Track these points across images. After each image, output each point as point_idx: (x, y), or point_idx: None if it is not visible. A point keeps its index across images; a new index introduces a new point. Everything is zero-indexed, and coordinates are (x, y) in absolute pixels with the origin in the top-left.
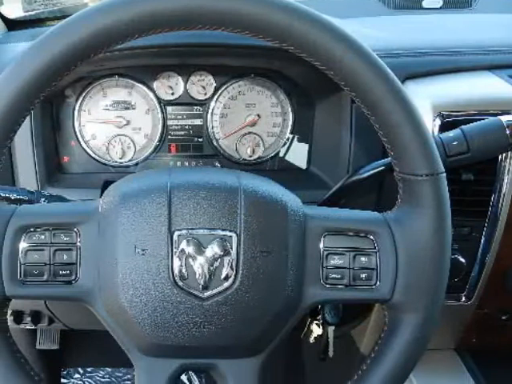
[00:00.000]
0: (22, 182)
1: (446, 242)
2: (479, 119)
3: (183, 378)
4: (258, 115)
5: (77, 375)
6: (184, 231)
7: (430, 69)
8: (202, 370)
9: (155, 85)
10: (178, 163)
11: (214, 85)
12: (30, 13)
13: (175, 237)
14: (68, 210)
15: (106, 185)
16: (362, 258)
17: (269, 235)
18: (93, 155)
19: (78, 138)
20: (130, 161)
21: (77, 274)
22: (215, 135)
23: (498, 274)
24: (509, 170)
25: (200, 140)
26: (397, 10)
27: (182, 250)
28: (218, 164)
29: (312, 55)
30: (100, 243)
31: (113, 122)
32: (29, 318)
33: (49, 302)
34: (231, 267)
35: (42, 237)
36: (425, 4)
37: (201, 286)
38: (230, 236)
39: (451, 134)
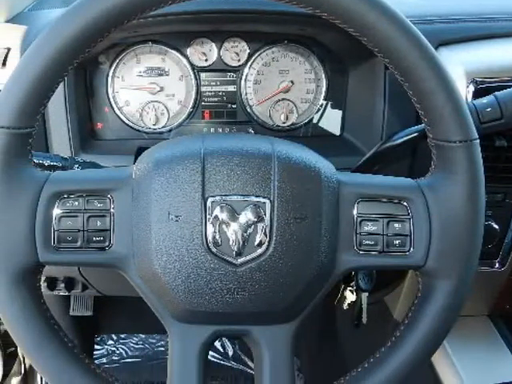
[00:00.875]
0: (56, 148)
1: (479, 208)
2: None
3: (217, 344)
4: (292, 82)
5: (110, 341)
6: (218, 197)
7: (463, 35)
8: (236, 336)
9: (189, 51)
10: (212, 129)
11: (248, 51)
12: None
13: (209, 203)
14: (102, 176)
15: (140, 151)
16: (396, 225)
17: (302, 201)
18: (126, 121)
19: (111, 105)
20: (163, 127)
21: (110, 240)
22: (249, 101)
23: None
24: None
25: (233, 106)
26: None
27: (216, 217)
28: (251, 130)
29: (345, 22)
30: (134, 209)
31: (146, 88)
32: (62, 285)
33: (82, 269)
34: (265, 233)
35: (76, 203)
36: None
37: (234, 253)
38: (264, 202)
39: (485, 100)
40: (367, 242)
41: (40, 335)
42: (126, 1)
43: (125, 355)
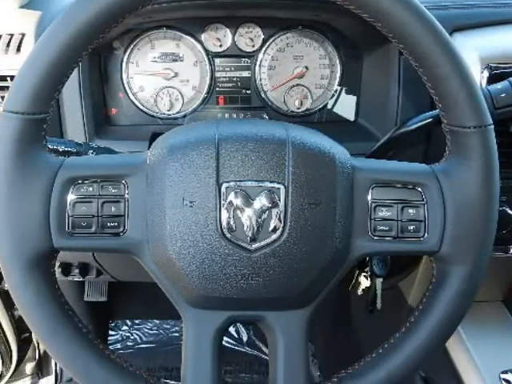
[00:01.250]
0: (70, 134)
1: (493, 193)
2: None
3: (231, 329)
4: (306, 67)
5: (125, 327)
6: (232, 183)
7: (477, 21)
8: (250, 322)
9: (203, 37)
10: (226, 115)
11: (262, 37)
12: None
13: (223, 189)
14: (116, 162)
15: (154, 137)
16: (410, 210)
17: (317, 187)
18: (141, 107)
19: (125, 90)
20: (177, 113)
21: (125, 225)
22: (263, 87)
23: None
24: None
25: (248, 92)
26: None
27: (230, 202)
28: (265, 116)
29: (360, 7)
30: (148, 195)
31: (161, 74)
32: (77, 270)
33: (97, 254)
34: (279, 219)
35: (90, 189)
36: None
37: (249, 238)
38: (278, 188)
39: (499, 85)
40: (381, 227)
41: (54, 321)
42: None
43: (139, 341)
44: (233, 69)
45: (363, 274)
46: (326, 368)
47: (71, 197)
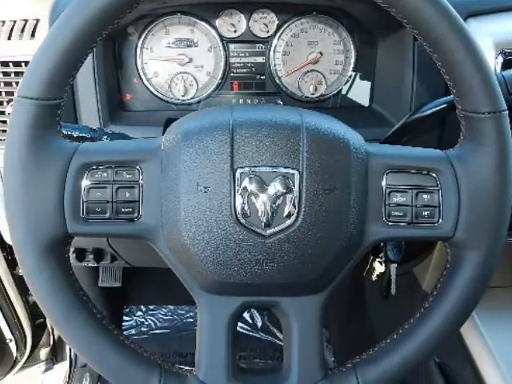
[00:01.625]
0: (85, 119)
1: (508, 179)
2: None
3: (245, 315)
4: (321, 53)
5: (139, 313)
6: (246, 169)
7: (492, 6)
8: (265, 307)
9: (217, 22)
10: (241, 101)
11: (277, 22)
12: None
13: (237, 174)
14: (130, 147)
15: (169, 122)
16: (425, 196)
17: (331, 173)
18: (155, 93)
19: (140, 76)
20: (192, 98)
21: (139, 211)
22: (277, 73)
23: None
24: None
25: (262, 77)
26: None
27: (245, 188)
28: (280, 102)
29: None
30: (162, 181)
31: (175, 59)
32: (91, 256)
33: (111, 240)
34: (293, 205)
35: (105, 174)
36: None
37: (263, 224)
38: (293, 173)
39: None
40: (396, 213)
41: (69, 306)
42: None
43: (153, 326)
44: (247, 54)
45: (377, 259)
46: (341, 354)
47: (85, 182)
